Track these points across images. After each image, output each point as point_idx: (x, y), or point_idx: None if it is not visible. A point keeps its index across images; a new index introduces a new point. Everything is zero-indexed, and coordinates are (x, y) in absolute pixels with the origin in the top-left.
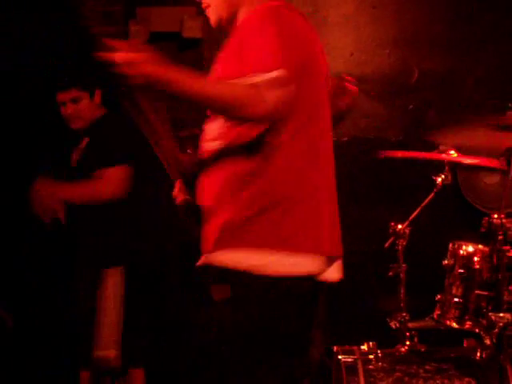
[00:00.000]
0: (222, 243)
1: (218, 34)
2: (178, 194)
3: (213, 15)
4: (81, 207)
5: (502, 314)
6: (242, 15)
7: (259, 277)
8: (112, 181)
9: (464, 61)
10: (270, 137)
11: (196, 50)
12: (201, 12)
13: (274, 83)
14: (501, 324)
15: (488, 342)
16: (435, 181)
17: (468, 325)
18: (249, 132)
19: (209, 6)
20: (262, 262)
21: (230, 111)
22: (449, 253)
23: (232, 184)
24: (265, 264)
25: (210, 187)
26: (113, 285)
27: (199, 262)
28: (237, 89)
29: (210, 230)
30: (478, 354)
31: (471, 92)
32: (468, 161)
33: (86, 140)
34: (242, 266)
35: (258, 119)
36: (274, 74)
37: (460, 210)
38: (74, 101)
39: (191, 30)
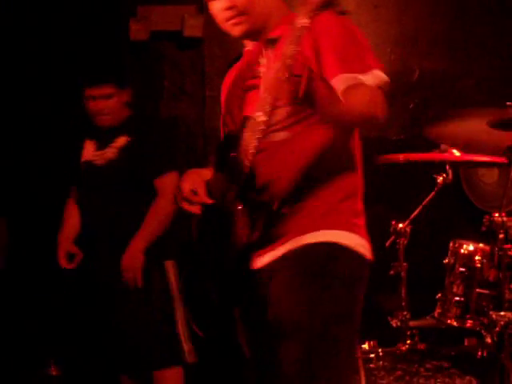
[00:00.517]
0: (318, 226)
1: (219, 33)
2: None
3: (247, 24)
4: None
5: (503, 313)
6: (273, 24)
7: (360, 255)
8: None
9: (465, 60)
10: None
11: (197, 49)
12: (201, 11)
13: (386, 84)
14: (502, 322)
15: (489, 340)
16: (436, 179)
17: (469, 323)
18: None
19: (243, 14)
20: (357, 242)
21: (364, 120)
22: (449, 251)
23: (317, 172)
24: (359, 244)
25: (290, 176)
26: (175, 276)
27: (296, 245)
28: (366, 95)
29: (297, 215)
30: (479, 353)
31: (472, 91)
32: (468, 158)
33: (123, 138)
34: (352, 243)
35: (382, 121)
36: (382, 74)
37: (461, 209)
38: (107, 97)
39: (192, 28)
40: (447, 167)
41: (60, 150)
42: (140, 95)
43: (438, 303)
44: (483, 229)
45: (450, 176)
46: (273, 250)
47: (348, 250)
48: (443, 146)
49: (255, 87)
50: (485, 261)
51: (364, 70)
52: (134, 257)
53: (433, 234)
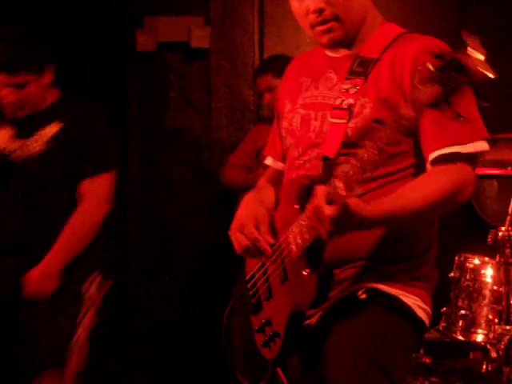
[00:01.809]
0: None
1: (225, 45)
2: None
3: (338, 32)
4: None
5: (508, 327)
6: (364, 34)
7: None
8: (107, 189)
9: None
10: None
11: (203, 60)
12: (208, 22)
13: (480, 157)
14: (507, 337)
15: (494, 354)
16: None
17: (474, 337)
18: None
19: (335, 19)
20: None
21: (447, 206)
22: (455, 265)
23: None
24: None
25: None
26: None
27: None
28: (450, 179)
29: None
30: (484, 367)
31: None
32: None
33: (52, 126)
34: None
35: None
36: (485, 146)
37: (470, 222)
38: (20, 86)
39: (199, 39)
40: None
41: None
42: (146, 106)
43: (443, 317)
44: (489, 242)
45: None
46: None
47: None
48: None
49: (333, 118)
50: (491, 275)
51: (463, 141)
52: (43, 282)
53: (439, 248)
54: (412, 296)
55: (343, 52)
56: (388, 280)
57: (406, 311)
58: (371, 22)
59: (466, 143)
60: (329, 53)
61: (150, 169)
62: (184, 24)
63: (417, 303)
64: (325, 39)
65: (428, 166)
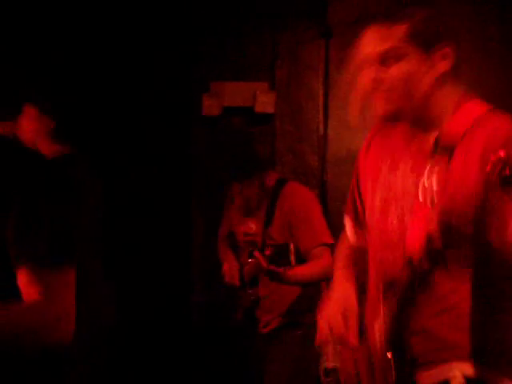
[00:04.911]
0: None
1: (290, 110)
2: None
3: (390, 105)
4: None
5: None
6: (444, 116)
7: None
8: None
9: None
10: None
11: (268, 125)
12: (273, 87)
13: None
14: None
15: None
16: None
17: None
18: None
19: (389, 90)
20: None
21: None
22: None
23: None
24: None
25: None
26: None
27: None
28: None
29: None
30: None
31: None
32: None
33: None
34: None
35: None
36: None
37: None
38: None
39: (264, 105)
40: None
41: None
42: (209, 170)
43: None
44: None
45: None
46: None
47: None
48: None
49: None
50: None
51: None
52: None
53: None
54: None
55: (422, 133)
56: None
57: None
58: (450, 103)
59: None
60: (408, 133)
61: (213, 235)
62: (249, 89)
63: None
64: (378, 108)
65: None
